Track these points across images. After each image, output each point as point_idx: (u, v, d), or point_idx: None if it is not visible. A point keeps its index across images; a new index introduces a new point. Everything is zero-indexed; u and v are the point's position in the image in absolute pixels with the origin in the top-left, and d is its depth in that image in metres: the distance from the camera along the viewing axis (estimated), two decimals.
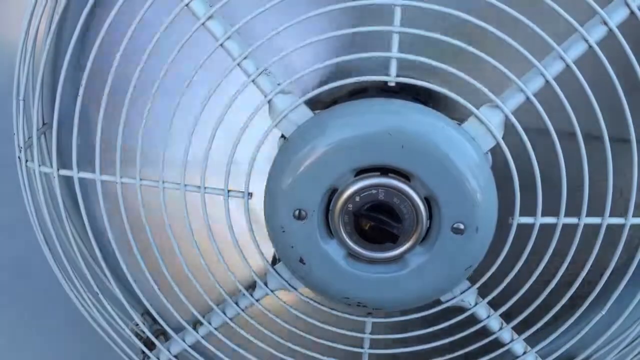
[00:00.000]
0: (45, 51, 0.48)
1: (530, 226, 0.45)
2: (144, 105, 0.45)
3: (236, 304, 0.51)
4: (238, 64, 0.42)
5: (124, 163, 0.47)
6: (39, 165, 0.50)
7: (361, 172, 0.42)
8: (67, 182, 0.51)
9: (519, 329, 0.50)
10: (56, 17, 0.48)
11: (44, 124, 0.52)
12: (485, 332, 0.50)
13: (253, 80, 0.43)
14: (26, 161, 0.50)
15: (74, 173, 0.48)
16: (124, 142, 0.46)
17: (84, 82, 0.46)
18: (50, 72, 0.52)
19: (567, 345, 0.51)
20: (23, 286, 0.64)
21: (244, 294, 0.50)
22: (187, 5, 0.42)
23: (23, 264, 0.63)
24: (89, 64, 0.45)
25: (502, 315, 0.50)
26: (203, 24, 0.42)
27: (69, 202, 0.53)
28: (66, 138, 0.50)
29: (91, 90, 0.49)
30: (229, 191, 0.46)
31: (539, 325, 0.49)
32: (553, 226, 0.45)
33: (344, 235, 0.44)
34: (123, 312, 0.55)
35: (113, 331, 0.56)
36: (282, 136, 0.44)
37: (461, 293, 0.48)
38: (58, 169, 0.49)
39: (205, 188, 0.46)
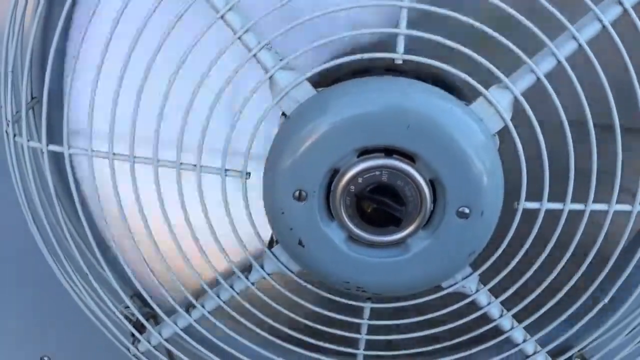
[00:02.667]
0: (34, 22, 0.46)
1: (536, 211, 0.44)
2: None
3: (231, 287, 0.50)
4: (239, 38, 0.41)
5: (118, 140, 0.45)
6: (28, 140, 0.48)
7: (364, 153, 0.41)
8: (56, 159, 0.50)
9: (519, 317, 0.50)
10: None
11: (32, 98, 0.50)
12: (486, 319, 0.49)
13: (255, 55, 0.41)
14: (14, 135, 0.48)
15: (65, 149, 0.46)
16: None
17: (77, 55, 0.45)
18: (40, 44, 0.50)
19: (568, 334, 0.50)
20: (9, 267, 0.62)
21: (239, 277, 0.49)
22: None
23: (9, 244, 0.61)
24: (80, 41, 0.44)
25: (503, 303, 0.49)
26: None
27: (58, 180, 0.51)
28: (56, 113, 0.48)
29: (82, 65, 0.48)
30: (226, 170, 0.44)
31: (539, 313, 0.49)
32: (559, 212, 0.44)
33: (345, 217, 0.42)
34: (113, 294, 0.54)
35: (103, 314, 0.54)
36: (283, 114, 0.43)
37: (463, 279, 0.47)
38: (47, 144, 0.47)
39: (201, 167, 0.45)
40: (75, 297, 0.54)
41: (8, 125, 0.48)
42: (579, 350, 0.53)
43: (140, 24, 0.42)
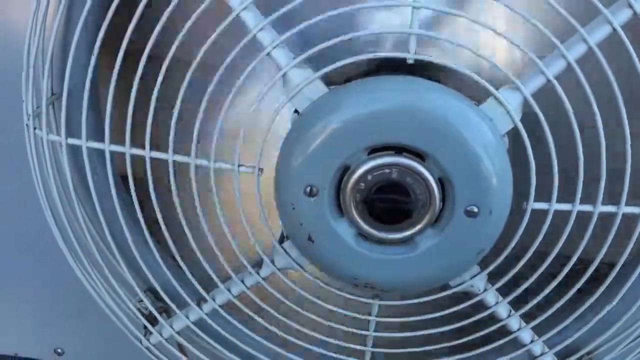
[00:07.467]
0: (57, 18, 0.47)
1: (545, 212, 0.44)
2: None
3: (242, 281, 0.51)
4: (254, 35, 0.42)
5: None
6: (47, 134, 0.49)
7: (375, 151, 0.42)
8: (75, 153, 0.51)
9: (527, 319, 0.50)
10: None
11: (52, 93, 0.51)
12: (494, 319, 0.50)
13: (268, 53, 0.42)
14: (34, 129, 0.50)
15: (83, 142, 0.48)
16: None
17: (96, 51, 0.46)
18: (61, 40, 0.51)
19: (576, 336, 0.50)
20: (26, 260, 0.64)
21: (250, 272, 0.50)
22: None
23: (27, 237, 0.63)
24: (101, 35, 0.45)
25: (512, 304, 0.49)
26: None
27: (76, 174, 0.52)
28: (75, 109, 0.49)
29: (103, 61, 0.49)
30: (239, 166, 0.45)
31: (547, 314, 0.49)
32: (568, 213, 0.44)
33: (355, 214, 0.43)
34: (127, 288, 0.55)
35: (116, 307, 0.55)
36: (296, 111, 0.44)
37: (471, 278, 0.47)
38: (66, 138, 0.48)
39: (215, 162, 0.46)
40: (91, 290, 0.55)
41: (29, 118, 0.49)
42: (587, 353, 0.53)
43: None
